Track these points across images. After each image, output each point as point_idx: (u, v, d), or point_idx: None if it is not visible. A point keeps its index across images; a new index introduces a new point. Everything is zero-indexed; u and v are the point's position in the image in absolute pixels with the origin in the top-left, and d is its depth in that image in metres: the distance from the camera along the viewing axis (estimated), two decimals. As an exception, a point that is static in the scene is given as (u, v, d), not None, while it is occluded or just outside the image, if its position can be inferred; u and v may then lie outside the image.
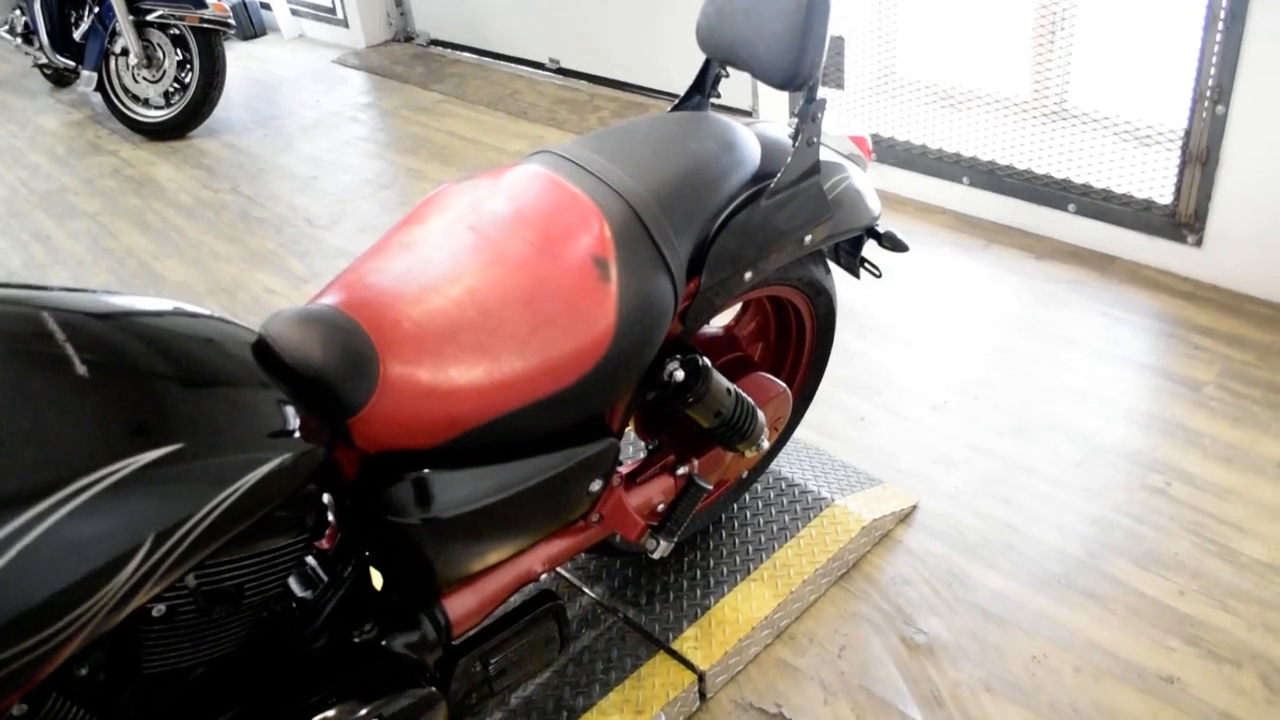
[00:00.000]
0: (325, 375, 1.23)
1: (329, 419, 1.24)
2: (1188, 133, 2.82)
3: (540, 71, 5.35)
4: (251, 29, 6.57)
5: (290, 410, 1.18)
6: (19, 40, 5.43)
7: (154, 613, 1.12)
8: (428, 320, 1.32)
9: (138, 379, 1.06)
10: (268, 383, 1.19)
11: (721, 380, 1.64)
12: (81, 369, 1.01)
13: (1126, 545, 2.13)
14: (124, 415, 1.01)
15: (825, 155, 1.80)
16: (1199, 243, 2.92)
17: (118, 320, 1.12)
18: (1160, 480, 2.28)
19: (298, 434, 1.17)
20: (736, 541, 2.16)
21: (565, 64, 5.23)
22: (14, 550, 0.89)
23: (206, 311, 1.26)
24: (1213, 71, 2.69)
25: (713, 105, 1.90)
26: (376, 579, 1.49)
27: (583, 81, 5.15)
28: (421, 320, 1.32)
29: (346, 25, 6.21)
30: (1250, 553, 2.08)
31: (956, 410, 2.55)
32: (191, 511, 1.02)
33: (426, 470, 1.33)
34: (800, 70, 1.59)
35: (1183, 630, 1.94)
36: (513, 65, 5.51)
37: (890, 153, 3.58)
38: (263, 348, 1.24)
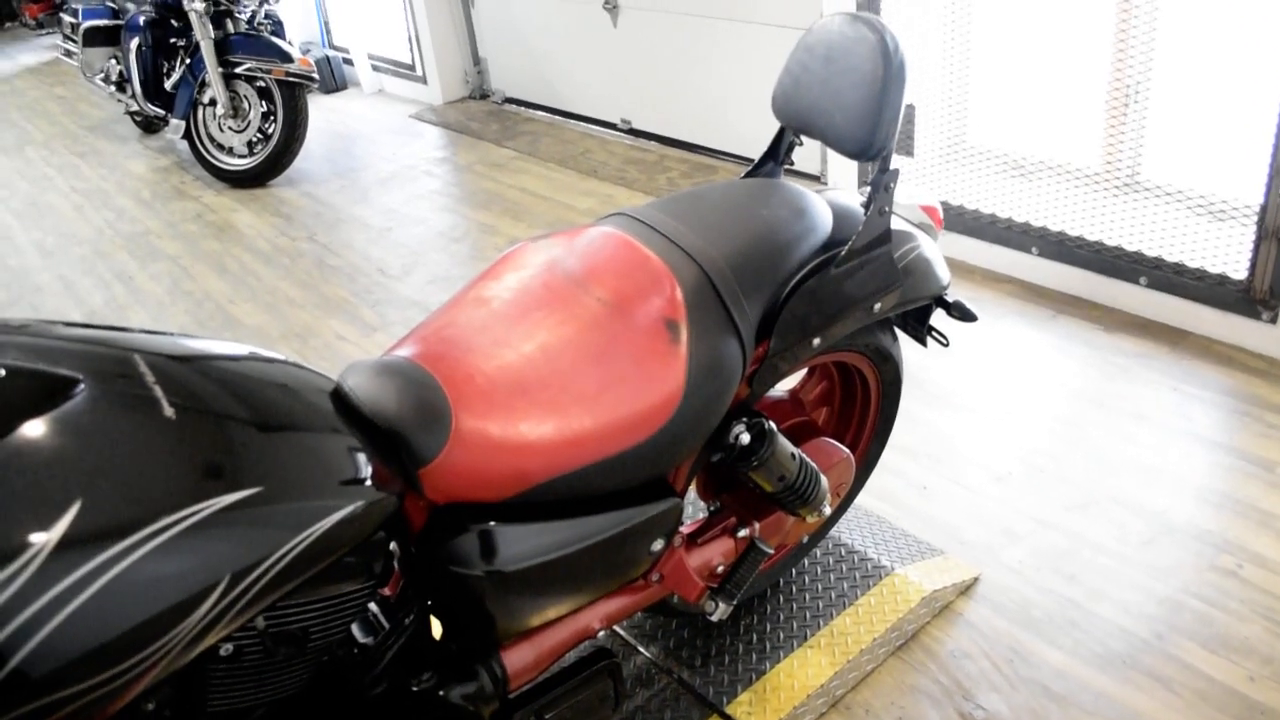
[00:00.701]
0: (399, 426, 1.26)
1: (401, 469, 1.27)
2: (1264, 208, 2.79)
3: (611, 131, 5.45)
4: (334, 83, 6.83)
5: (363, 459, 1.21)
6: (113, 88, 5.65)
7: (222, 652, 1.14)
8: (500, 375, 1.35)
9: (221, 422, 1.09)
10: (343, 430, 1.22)
11: (786, 445, 1.64)
12: (169, 411, 1.04)
13: (1195, 627, 2.08)
14: (207, 457, 1.04)
15: (896, 224, 1.82)
16: (1274, 319, 2.87)
17: (201, 364, 1.16)
18: (1232, 562, 2.23)
19: (370, 482, 1.19)
20: (794, 607, 2.15)
21: (636, 124, 5.32)
22: (97, 585, 0.91)
23: (281, 357, 1.30)
24: (1291, 148, 2.67)
25: (794, 166, 1.92)
26: (436, 628, 1.50)
27: (653, 142, 5.22)
28: (494, 375, 1.35)
29: (425, 82, 6.38)
30: (1325, 641, 2.03)
31: (1021, 482, 2.52)
32: (267, 554, 1.04)
33: (492, 523, 1.35)
34: (875, 141, 1.61)
35: (1252, 718, 1.88)
36: (584, 125, 5.61)
37: (959, 221, 3.57)
38: (340, 396, 1.27)
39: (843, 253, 1.65)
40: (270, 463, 1.10)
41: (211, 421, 1.09)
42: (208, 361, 1.17)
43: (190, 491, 1.01)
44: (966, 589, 2.22)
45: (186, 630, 0.98)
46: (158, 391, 1.06)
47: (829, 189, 1.86)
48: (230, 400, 1.13)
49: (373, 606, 1.42)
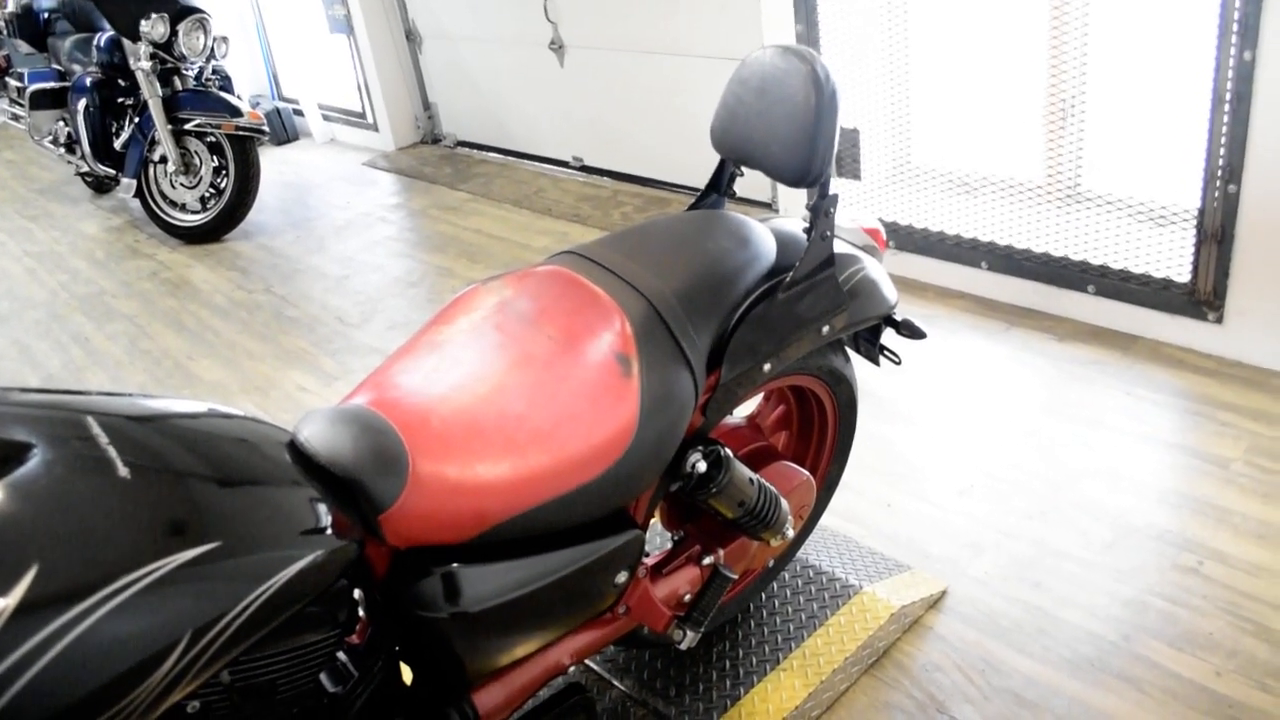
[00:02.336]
0: (356, 473, 1.27)
1: (360, 516, 1.27)
2: (1201, 211, 2.86)
3: (564, 169, 5.49)
4: (285, 134, 6.83)
5: (323, 508, 1.22)
6: (62, 149, 5.63)
7: (189, 709, 1.14)
8: (455, 418, 1.36)
9: (176, 480, 1.10)
10: (300, 481, 1.23)
11: (744, 470, 1.66)
12: (124, 471, 1.05)
13: (1160, 627, 2.11)
14: (163, 515, 1.05)
15: (840, 247, 1.85)
16: (1220, 319, 2.93)
17: (157, 423, 1.17)
18: (1192, 559, 2.26)
19: (330, 531, 1.20)
20: (765, 631, 2.16)
21: (588, 161, 5.36)
22: (58, 648, 0.91)
23: (240, 412, 1.30)
24: (1223, 151, 2.74)
25: (733, 198, 1.95)
26: (406, 674, 1.51)
27: (606, 178, 5.26)
28: (449, 418, 1.36)
29: (376, 129, 6.40)
30: (1287, 632, 2.06)
31: (983, 494, 2.55)
32: (227, 608, 1.05)
33: (455, 565, 1.36)
34: (812, 168, 1.64)
35: (1220, 712, 1.91)
36: (537, 164, 5.65)
37: (909, 240, 3.63)
38: (295, 447, 1.28)
39: (788, 279, 1.68)
40: (227, 517, 1.10)
41: (167, 479, 1.09)
42: (162, 420, 1.18)
43: (147, 550, 1.01)
44: (935, 603, 2.24)
45: (148, 690, 0.98)
46: (111, 452, 1.07)
47: (773, 217, 1.89)
48: (186, 457, 1.13)
49: (341, 655, 1.41)
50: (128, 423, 1.13)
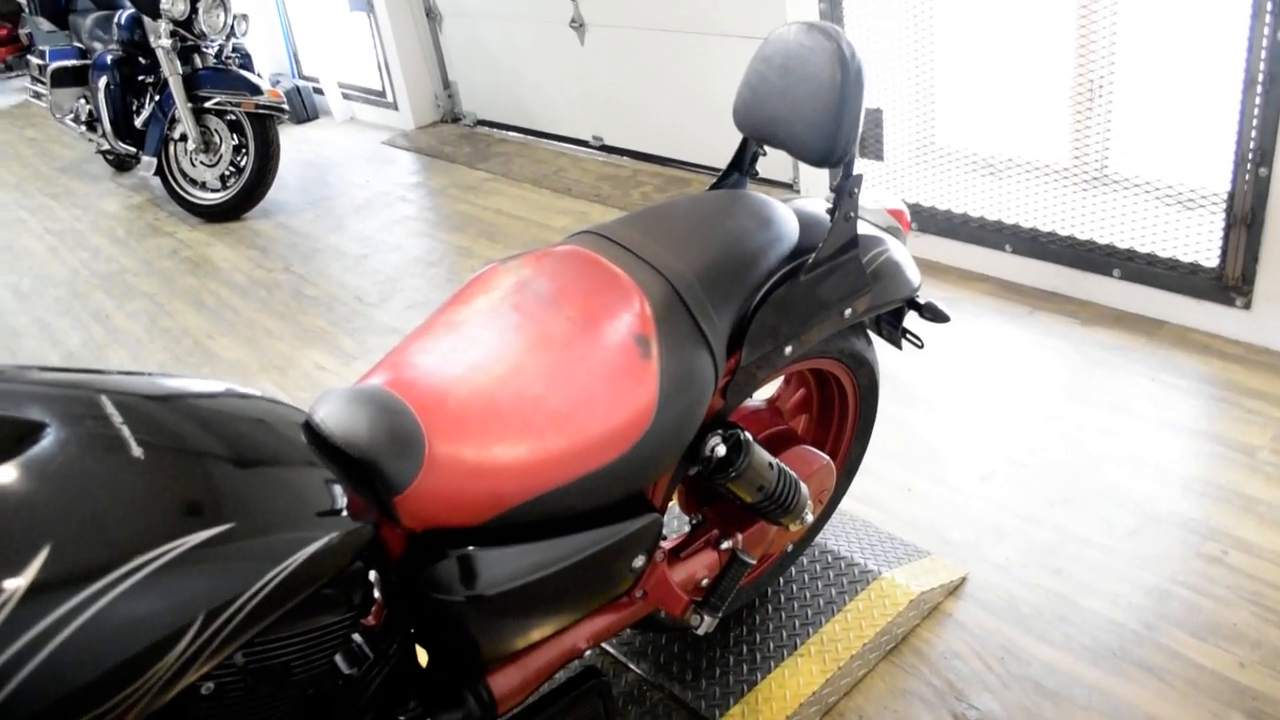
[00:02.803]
0: (372, 454, 1.26)
1: (376, 497, 1.26)
2: (1231, 195, 2.81)
3: (584, 149, 5.46)
4: (305, 113, 6.83)
5: (338, 489, 1.21)
6: (83, 127, 5.64)
7: (203, 690, 1.13)
8: (472, 399, 1.34)
9: (190, 460, 1.09)
10: (316, 462, 1.22)
11: (763, 454, 1.64)
12: (137, 450, 1.04)
13: (1183, 616, 2.08)
14: (177, 495, 1.04)
15: (863, 229, 1.82)
16: (1248, 305, 2.89)
17: (172, 402, 1.16)
18: (1216, 549, 2.23)
19: (345, 513, 1.19)
20: (783, 616, 2.15)
21: (608, 141, 5.33)
22: (70, 629, 0.91)
23: (257, 392, 1.29)
24: (1254, 134, 2.69)
25: (755, 178, 1.93)
26: (422, 656, 1.50)
27: (625, 158, 5.24)
28: (466, 399, 1.34)
29: (396, 108, 6.39)
30: (1312, 623, 2.03)
31: (1004, 480, 2.53)
32: (241, 590, 1.04)
33: (471, 548, 1.34)
34: (836, 148, 1.61)
35: (1244, 704, 1.89)
36: (557, 143, 5.63)
37: (931, 222, 3.59)
38: (311, 428, 1.27)
39: (810, 260, 1.66)
40: (241, 498, 1.09)
41: (181, 459, 1.08)
42: (177, 400, 1.17)
43: (161, 530, 1.00)
44: (955, 589, 2.22)
45: (162, 671, 0.98)
46: (125, 431, 1.06)
47: (796, 198, 1.86)
48: (200, 437, 1.12)
49: (356, 637, 1.41)
50: (142, 402, 1.12)
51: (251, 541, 1.07)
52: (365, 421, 1.28)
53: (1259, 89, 2.64)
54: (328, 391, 1.34)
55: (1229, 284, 2.90)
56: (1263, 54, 2.59)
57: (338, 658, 1.38)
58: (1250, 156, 2.72)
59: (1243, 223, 2.80)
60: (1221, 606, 2.09)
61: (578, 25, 5.09)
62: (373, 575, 1.36)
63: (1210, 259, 2.94)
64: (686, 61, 4.66)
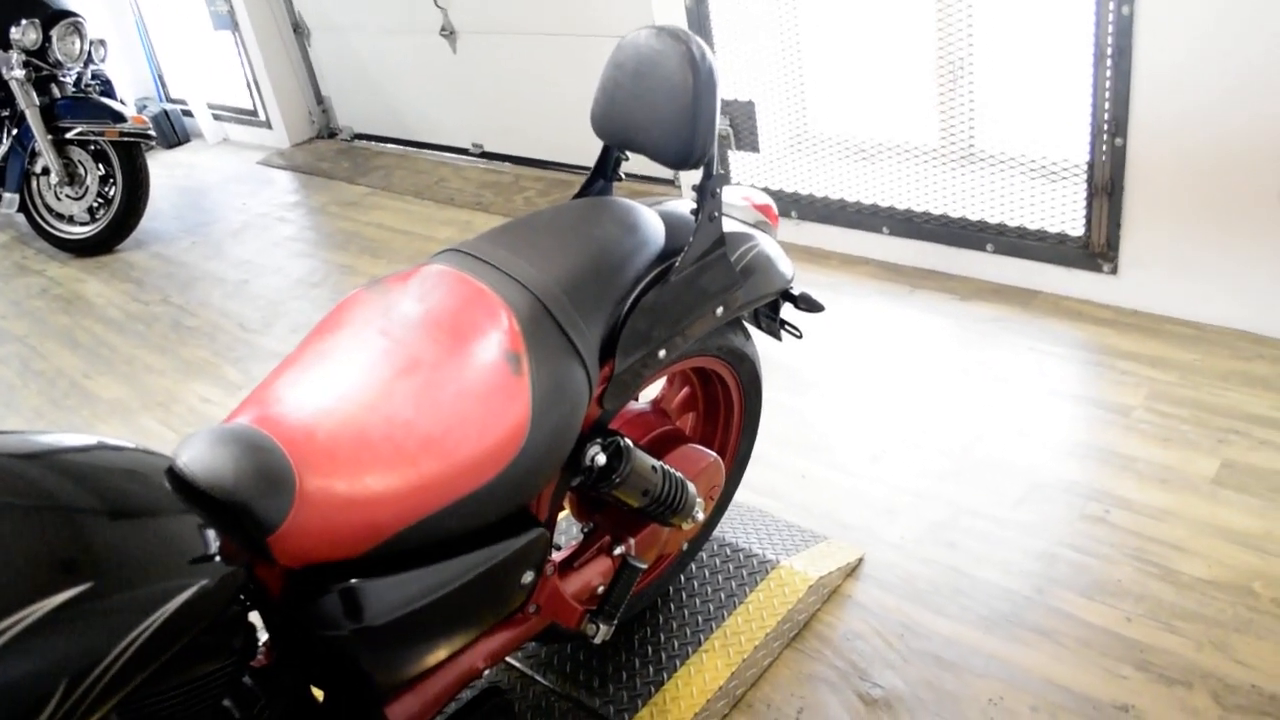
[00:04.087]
0: (241, 495, 1.23)
1: (247, 539, 1.23)
2: (1091, 165, 2.90)
3: (464, 157, 5.41)
4: (175, 137, 6.64)
5: (207, 534, 1.17)
6: (-63, 168, 5.40)
7: (83, 757, 1.10)
8: (342, 430, 1.32)
9: (46, 519, 1.04)
10: (181, 509, 1.18)
11: (645, 458, 1.64)
12: (-12, 515, 1.00)
13: (1072, 577, 2.15)
14: (30, 558, 1.00)
15: (731, 226, 1.84)
16: (1115, 270, 2.99)
17: (31, 461, 1.11)
18: (1099, 509, 2.31)
19: (216, 558, 1.16)
20: (686, 614, 2.16)
21: (488, 148, 5.30)
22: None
23: (129, 444, 1.25)
24: (1107, 106, 2.78)
25: (624, 179, 1.93)
26: (318, 693, 1.47)
27: (507, 164, 5.20)
28: (335, 431, 1.32)
29: (269, 126, 6.25)
30: (1191, 571, 2.11)
31: (895, 458, 2.58)
32: (105, 651, 1.00)
33: (354, 580, 1.32)
34: (694, 150, 1.62)
35: (1133, 657, 1.95)
36: (437, 153, 5.57)
37: (810, 209, 3.64)
38: (175, 473, 1.23)
39: (678, 262, 1.67)
40: (100, 554, 1.05)
41: (35, 520, 1.04)
42: (36, 458, 1.12)
43: (12, 597, 0.96)
44: (852, 571, 2.25)
45: (24, 744, 0.94)
46: None
47: (662, 200, 1.87)
48: (57, 495, 1.08)
49: (247, 680, 1.37)
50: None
51: (114, 598, 1.03)
52: (230, 462, 1.24)
53: (1108, 62, 2.73)
54: (191, 435, 1.31)
55: (1095, 251, 3.00)
56: (1109, 28, 2.68)
57: (228, 702, 1.34)
58: (1106, 127, 2.81)
59: (1104, 191, 2.90)
60: (1106, 565, 2.16)
61: (448, 33, 5.04)
62: (257, 617, 1.33)
63: (1076, 228, 3.03)
64: (560, 64, 4.65)
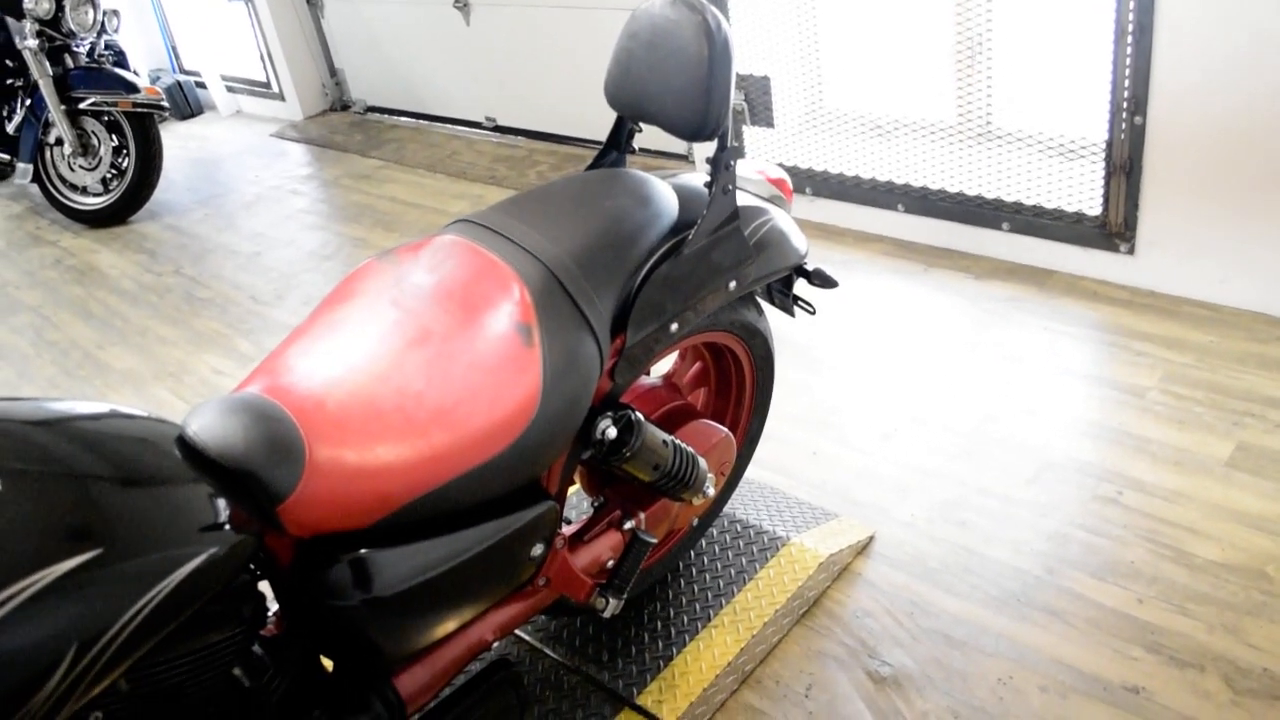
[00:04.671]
0: (250, 464, 1.22)
1: (257, 508, 1.23)
2: (1109, 144, 2.87)
3: (477, 130, 5.39)
4: (188, 108, 6.63)
5: (219, 503, 1.17)
6: (-48, 138, 5.40)
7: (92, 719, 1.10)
8: (352, 400, 1.31)
9: (57, 486, 1.04)
10: (191, 477, 1.18)
11: (656, 433, 1.64)
12: (-2, 482, 1.00)
13: (1083, 558, 2.14)
14: (41, 524, 1.00)
15: (745, 200, 1.82)
16: (1131, 250, 2.96)
17: (42, 427, 1.11)
18: (1112, 489, 2.30)
19: (226, 526, 1.16)
20: (695, 589, 2.15)
21: (501, 121, 5.27)
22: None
23: (141, 412, 1.25)
24: (1127, 84, 2.75)
25: (637, 152, 1.91)
26: (327, 663, 1.47)
27: (520, 138, 5.18)
28: (346, 401, 1.31)
29: (283, 98, 6.23)
30: (1204, 554, 2.10)
31: (907, 436, 2.57)
32: (115, 617, 1.00)
33: (363, 551, 1.32)
34: (708, 122, 1.60)
35: (1144, 639, 1.95)
36: (450, 126, 5.54)
37: (825, 185, 3.62)
38: (185, 442, 1.23)
39: (691, 235, 1.65)
40: (111, 521, 1.05)
41: (47, 486, 1.04)
42: (48, 425, 1.12)
43: (22, 563, 0.96)
44: (863, 549, 2.25)
45: (35, 709, 0.94)
46: None
47: (676, 173, 1.85)
48: (69, 462, 1.08)
49: (256, 649, 1.37)
50: (10, 428, 1.07)
51: (124, 564, 1.03)
52: (241, 431, 1.24)
53: (1129, 39, 2.69)
54: (202, 403, 1.30)
55: (1112, 231, 2.97)
56: (1131, 4, 2.65)
57: (237, 670, 1.35)
58: (1125, 105, 2.78)
59: (1122, 170, 2.87)
60: (1118, 546, 2.15)
61: (462, 6, 5.01)
62: (266, 586, 1.33)
63: (1093, 207, 3.01)
64: (574, 37, 4.62)
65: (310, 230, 4.53)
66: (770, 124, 3.67)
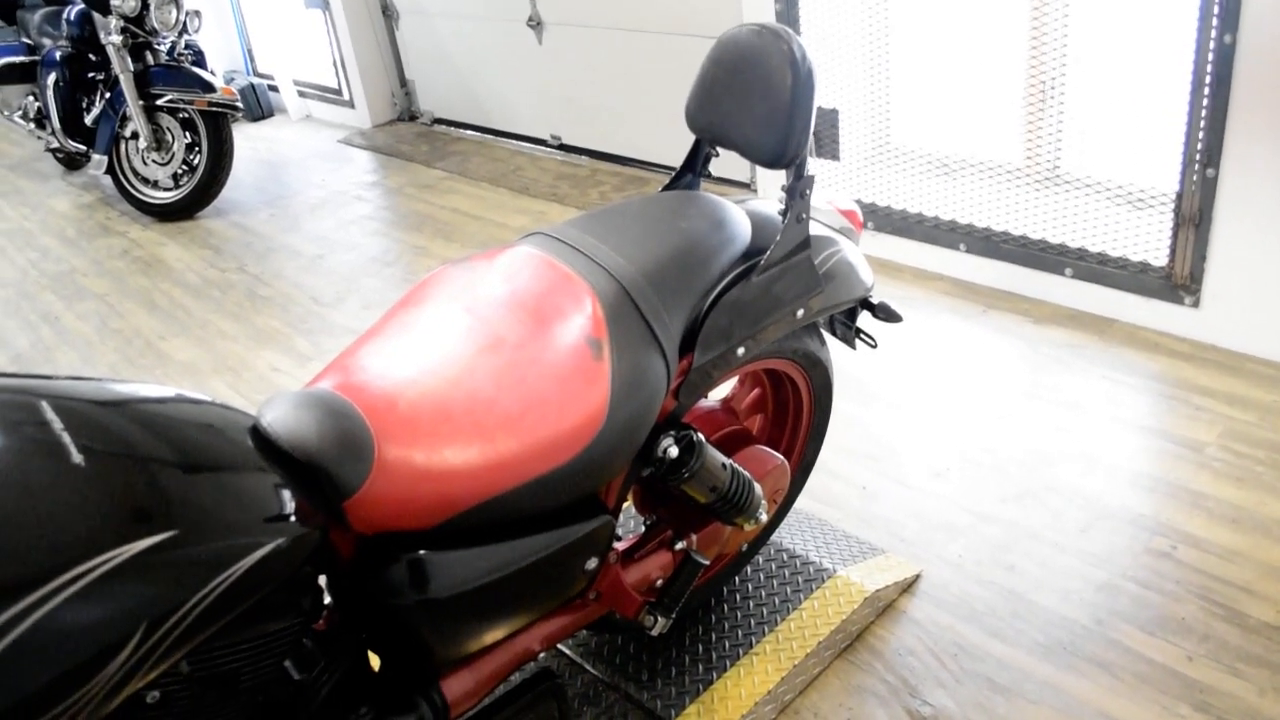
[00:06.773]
0: (320, 459, 1.24)
1: (324, 502, 1.25)
2: (1179, 195, 2.85)
3: (542, 148, 5.44)
4: (260, 110, 6.76)
5: (285, 494, 1.19)
6: (32, 125, 5.55)
7: (148, 699, 1.12)
8: (422, 402, 1.34)
9: (133, 466, 1.07)
10: (263, 467, 1.20)
11: (716, 455, 1.64)
12: (78, 457, 1.02)
13: (1133, 611, 2.11)
14: (118, 503, 1.02)
15: (816, 229, 1.83)
16: (1196, 303, 2.93)
17: (116, 408, 1.13)
18: (1165, 544, 2.27)
19: (293, 518, 1.18)
20: (739, 615, 2.15)
21: (566, 140, 5.32)
22: (6, 641, 0.89)
23: (207, 398, 1.27)
24: (1201, 135, 2.73)
25: (713, 177, 1.93)
26: (374, 661, 1.49)
27: (584, 157, 5.22)
28: (416, 402, 1.33)
29: (352, 106, 6.33)
30: (1258, 615, 2.06)
31: (958, 477, 2.55)
32: (184, 599, 1.02)
33: (422, 552, 1.33)
34: (788, 149, 1.62)
35: (1192, 697, 1.92)
36: (515, 142, 5.60)
37: (887, 221, 3.61)
38: (259, 432, 1.25)
39: (762, 261, 1.66)
40: (186, 505, 1.08)
41: (124, 466, 1.06)
42: (122, 405, 1.15)
43: (100, 539, 0.98)
44: (909, 586, 2.23)
45: (103, 682, 0.96)
46: (66, 438, 1.04)
47: (749, 199, 1.87)
48: (144, 443, 1.10)
49: (307, 642, 1.39)
50: (85, 407, 1.10)
51: (196, 548, 1.05)
52: (314, 425, 1.26)
53: (1206, 91, 2.67)
54: (276, 395, 1.33)
55: (1178, 283, 2.95)
56: (1210, 56, 2.63)
57: (288, 663, 1.36)
58: (1198, 157, 2.76)
59: (1191, 222, 2.84)
60: (1170, 601, 2.12)
61: (535, 24, 5.07)
62: (323, 580, 1.35)
63: (1159, 258, 2.98)
64: (645, 61, 4.66)
65: (372, 236, 4.59)
66: (836, 157, 3.68)
